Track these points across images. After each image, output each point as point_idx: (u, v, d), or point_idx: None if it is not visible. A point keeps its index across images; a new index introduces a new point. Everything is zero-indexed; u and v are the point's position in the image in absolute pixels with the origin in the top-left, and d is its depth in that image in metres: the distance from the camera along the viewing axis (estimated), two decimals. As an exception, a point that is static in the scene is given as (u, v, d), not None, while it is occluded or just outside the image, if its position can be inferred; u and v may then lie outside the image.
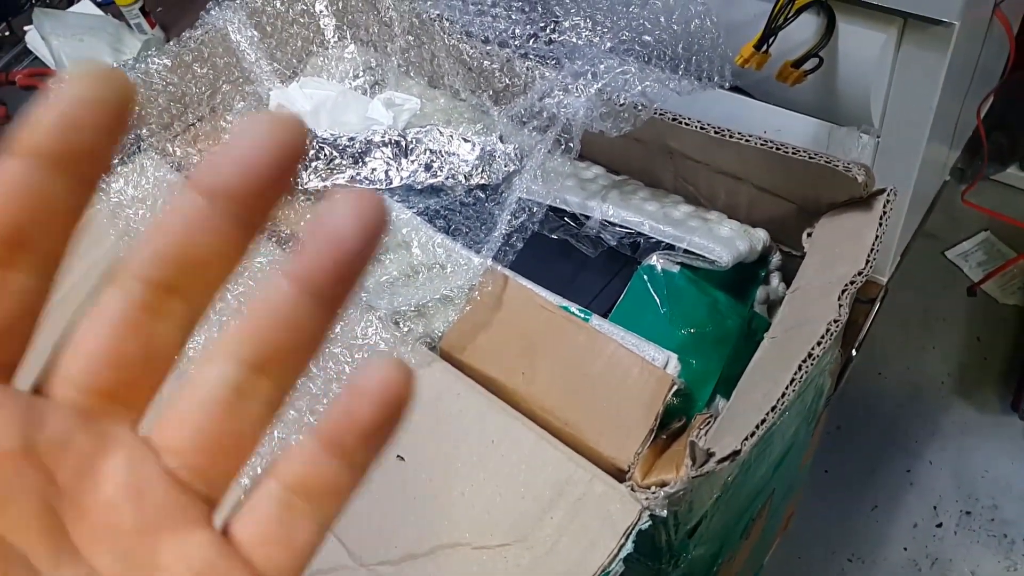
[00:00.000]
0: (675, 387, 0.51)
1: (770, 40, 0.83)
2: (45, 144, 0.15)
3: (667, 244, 0.61)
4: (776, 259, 0.63)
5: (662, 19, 0.60)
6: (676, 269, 0.60)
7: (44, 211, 0.16)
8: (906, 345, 1.48)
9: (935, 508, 1.32)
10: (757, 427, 0.44)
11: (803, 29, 0.90)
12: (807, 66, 0.92)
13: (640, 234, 0.61)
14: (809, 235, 0.59)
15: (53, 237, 0.16)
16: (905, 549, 1.29)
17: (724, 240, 0.59)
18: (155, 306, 0.17)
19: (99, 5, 1.14)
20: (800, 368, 0.47)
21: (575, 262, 0.65)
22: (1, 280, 0.16)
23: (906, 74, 0.89)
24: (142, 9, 1.08)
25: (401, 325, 0.57)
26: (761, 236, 0.61)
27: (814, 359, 0.47)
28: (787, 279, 0.63)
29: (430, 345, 0.57)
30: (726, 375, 0.57)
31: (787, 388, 0.46)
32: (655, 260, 0.60)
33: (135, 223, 0.67)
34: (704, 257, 0.59)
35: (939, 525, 1.31)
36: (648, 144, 0.64)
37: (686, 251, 0.59)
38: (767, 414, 0.45)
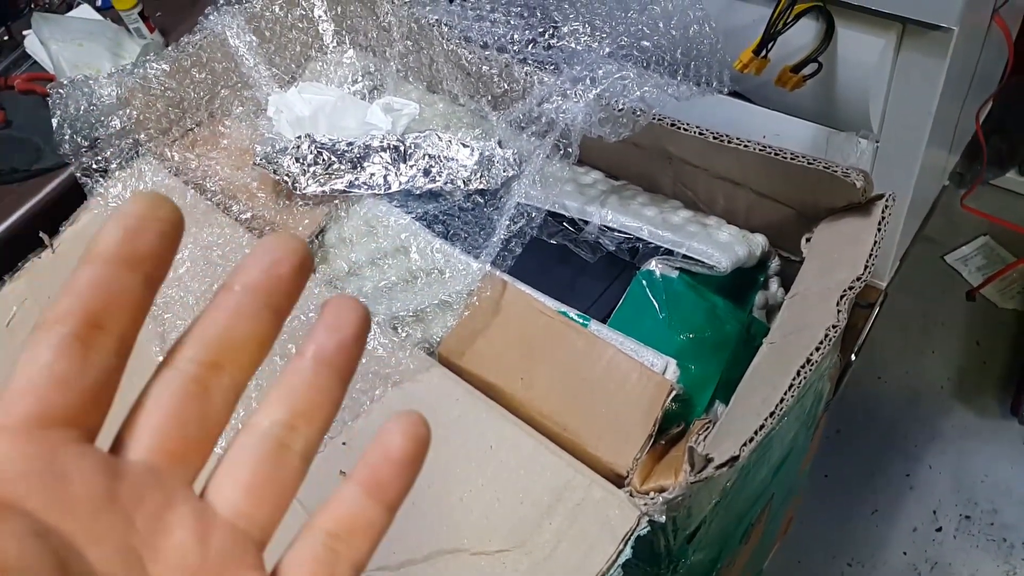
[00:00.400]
0: (674, 392, 0.51)
1: (769, 45, 0.83)
2: (114, 250, 0.19)
3: (666, 249, 0.61)
4: (775, 264, 0.63)
5: (661, 24, 0.60)
6: (675, 274, 0.60)
7: (118, 301, 0.19)
8: (905, 349, 1.48)
9: (935, 512, 1.32)
10: (756, 432, 0.44)
11: (802, 34, 0.90)
12: (806, 71, 0.92)
13: (639, 239, 0.61)
14: (808, 240, 0.59)
15: (126, 321, 0.20)
16: (905, 553, 1.29)
17: (723, 245, 0.59)
18: (206, 381, 0.21)
19: (98, 10, 1.14)
20: (799, 373, 0.47)
21: (574, 267, 0.64)
22: (85, 357, 0.19)
23: (905, 79, 0.89)
24: (141, 14, 1.08)
25: (399, 330, 0.57)
26: (760, 241, 0.61)
27: (813, 364, 0.47)
28: (786, 284, 0.63)
29: (428, 350, 0.57)
30: (725, 380, 0.57)
31: (786, 393, 0.46)
32: (654, 265, 0.60)
33: (133, 228, 0.67)
34: (703, 262, 0.58)
35: (939, 529, 1.30)
36: (647, 149, 0.64)
37: (685, 256, 0.59)
38: (766, 419, 0.45)
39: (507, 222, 0.59)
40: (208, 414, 0.21)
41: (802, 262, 0.61)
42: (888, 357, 1.47)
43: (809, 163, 0.55)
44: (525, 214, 0.59)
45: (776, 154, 0.55)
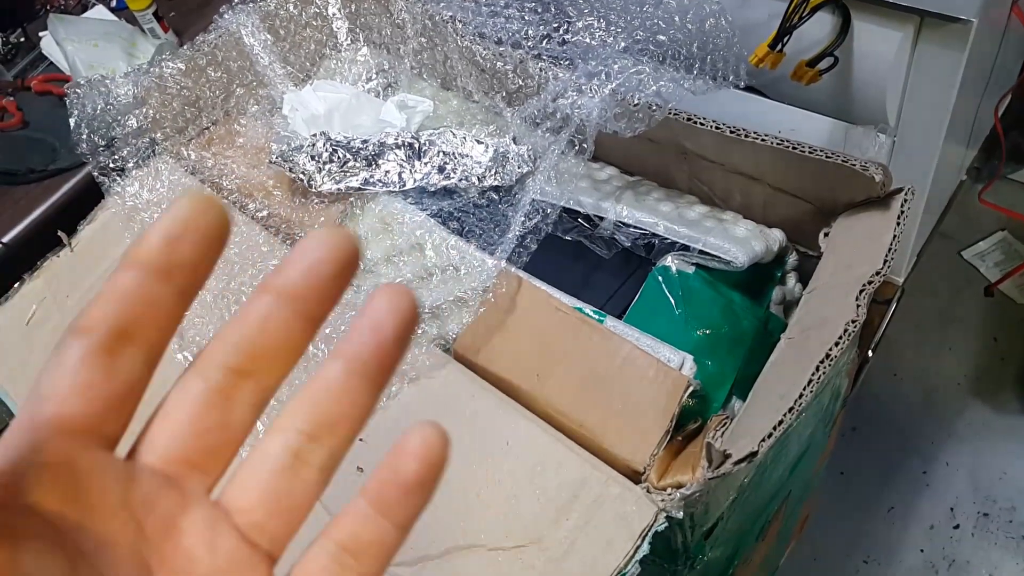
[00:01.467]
0: (691, 388, 0.51)
1: (785, 39, 0.82)
2: (152, 257, 0.19)
3: (682, 245, 0.60)
4: (792, 259, 0.62)
5: (676, 19, 0.59)
6: (691, 270, 0.60)
7: (148, 312, 0.19)
8: (922, 346, 1.47)
9: (952, 510, 1.31)
10: (774, 428, 0.44)
11: (818, 28, 0.89)
12: (822, 65, 0.91)
13: (655, 235, 0.60)
14: (826, 235, 0.58)
15: (155, 333, 0.20)
16: (922, 551, 1.28)
17: (740, 240, 0.59)
18: (230, 389, 0.20)
19: (113, 10, 1.15)
20: (818, 369, 0.46)
21: (589, 263, 0.64)
22: (110, 366, 0.19)
23: (923, 73, 0.89)
24: (155, 14, 1.08)
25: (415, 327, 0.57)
26: (777, 236, 0.61)
27: (832, 360, 0.47)
28: (804, 279, 0.63)
29: (444, 347, 0.57)
30: (742, 376, 0.57)
31: (804, 389, 0.45)
32: (670, 261, 0.59)
33: (149, 224, 0.67)
34: (719, 258, 0.58)
35: (956, 527, 1.29)
36: (662, 144, 0.64)
37: (701, 252, 0.59)
38: (784, 415, 0.44)
39: (522, 218, 0.58)
40: (229, 423, 0.20)
41: (820, 257, 0.61)
42: (905, 354, 1.46)
43: (827, 157, 0.54)
44: (540, 211, 0.59)
45: (794, 148, 0.55)
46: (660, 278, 0.59)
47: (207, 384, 0.20)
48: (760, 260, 0.59)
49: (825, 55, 0.91)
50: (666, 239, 0.61)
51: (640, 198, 0.64)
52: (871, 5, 0.86)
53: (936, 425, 1.38)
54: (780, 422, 0.44)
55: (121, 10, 1.14)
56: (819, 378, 0.46)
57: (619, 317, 0.60)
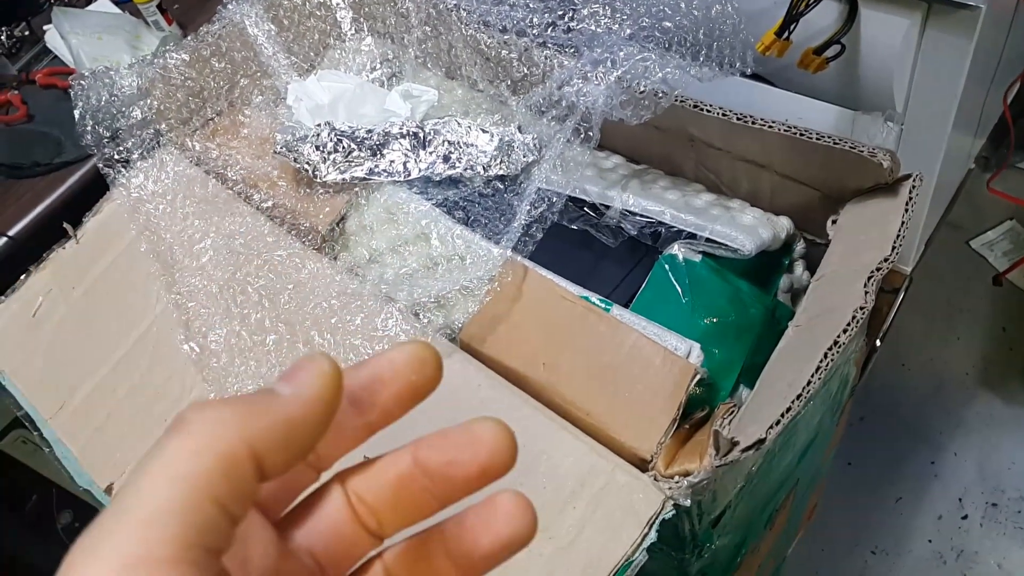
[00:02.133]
0: (698, 376, 0.50)
1: (791, 27, 0.82)
2: (352, 390, 0.20)
3: (688, 233, 0.60)
4: (800, 247, 0.62)
5: (682, 5, 0.59)
6: (698, 258, 0.59)
7: (334, 434, 0.20)
8: (930, 336, 1.46)
9: (960, 500, 1.31)
10: (782, 415, 0.44)
11: (825, 16, 0.88)
12: (829, 53, 0.91)
13: (661, 223, 0.60)
14: (834, 222, 0.58)
15: (334, 454, 0.22)
16: (930, 541, 1.28)
17: (747, 228, 0.58)
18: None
19: (117, 3, 1.15)
20: (826, 356, 0.46)
21: (595, 252, 0.64)
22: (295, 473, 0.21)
23: (930, 60, 0.88)
24: (159, 6, 1.08)
25: (421, 316, 0.57)
26: (784, 224, 0.61)
27: (840, 347, 0.46)
28: (811, 267, 0.62)
29: (450, 336, 0.57)
30: (749, 364, 0.57)
31: (813, 376, 0.45)
32: (676, 249, 0.59)
33: (155, 218, 0.67)
34: (726, 246, 0.58)
35: (964, 517, 1.29)
36: (669, 132, 0.64)
37: (708, 240, 0.58)
38: (792, 402, 0.44)
39: (528, 207, 0.58)
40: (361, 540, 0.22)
41: (828, 245, 0.60)
42: (913, 344, 1.45)
43: (835, 143, 0.54)
44: (546, 199, 0.59)
45: (801, 135, 0.54)
46: (667, 266, 0.59)
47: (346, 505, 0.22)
48: (767, 248, 0.59)
49: (832, 43, 0.90)
50: (672, 227, 0.60)
51: (646, 186, 0.63)
52: (878, -9, 0.85)
53: (944, 415, 1.38)
54: (788, 409, 0.44)
55: (125, 3, 1.14)
56: (827, 365, 0.46)
57: (626, 306, 0.60)
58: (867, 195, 0.56)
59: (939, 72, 0.88)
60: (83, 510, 1.28)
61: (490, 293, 0.56)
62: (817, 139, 0.54)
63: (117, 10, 1.12)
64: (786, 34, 0.83)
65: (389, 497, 0.21)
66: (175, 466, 0.17)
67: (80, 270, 0.68)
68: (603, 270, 0.63)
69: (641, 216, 0.61)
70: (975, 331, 1.46)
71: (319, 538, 0.21)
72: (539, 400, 0.53)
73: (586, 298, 0.55)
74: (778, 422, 0.43)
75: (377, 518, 0.22)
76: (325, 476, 0.22)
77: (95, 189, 0.71)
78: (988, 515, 1.29)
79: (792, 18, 0.82)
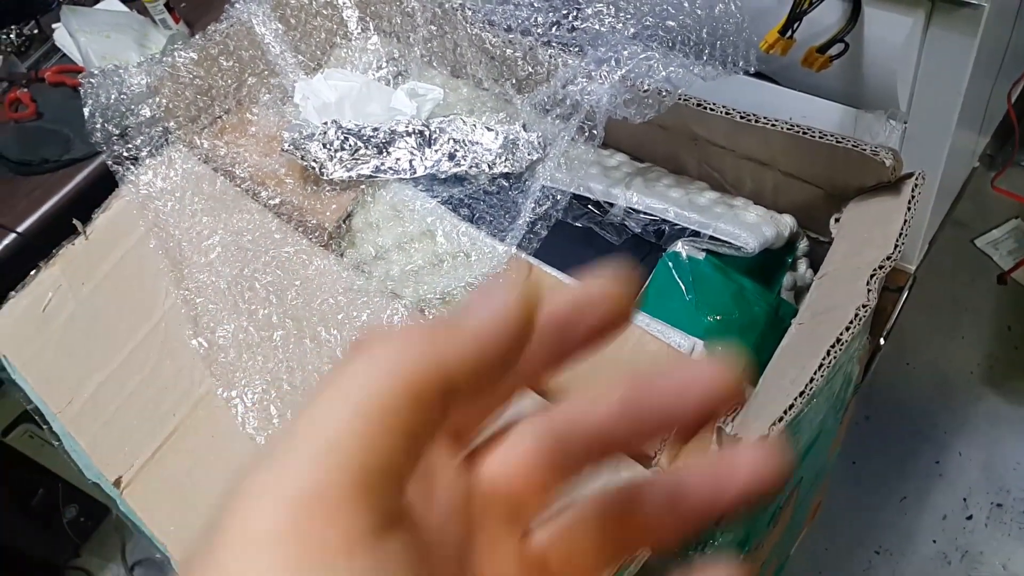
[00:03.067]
0: (701, 373, 0.51)
1: (795, 25, 0.82)
2: (548, 320, 0.19)
3: (692, 231, 0.60)
4: (803, 245, 0.62)
5: (686, 4, 0.59)
6: (701, 256, 0.60)
7: (528, 356, 0.19)
8: (935, 335, 1.46)
9: (965, 500, 1.31)
10: (785, 413, 0.44)
11: (828, 14, 0.88)
12: (832, 51, 0.91)
13: (665, 221, 0.61)
14: (837, 220, 0.58)
15: (529, 376, 0.21)
16: (934, 541, 1.28)
17: (750, 226, 0.59)
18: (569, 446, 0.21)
19: (124, 1, 1.16)
20: (829, 353, 0.46)
21: (599, 249, 0.64)
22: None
23: (934, 58, 0.88)
24: (166, 5, 1.09)
25: (426, 313, 0.57)
26: (788, 222, 0.61)
27: (843, 344, 0.47)
28: (815, 265, 0.63)
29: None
30: (753, 362, 0.57)
31: (815, 374, 0.45)
32: (680, 247, 0.59)
33: (164, 215, 0.68)
34: (730, 243, 0.58)
35: (969, 517, 1.29)
36: (672, 130, 0.64)
37: (711, 238, 0.59)
38: (795, 399, 0.44)
39: (532, 205, 0.59)
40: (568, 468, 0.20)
41: (831, 243, 0.61)
42: (917, 343, 1.45)
43: (837, 142, 0.54)
44: (550, 197, 0.59)
45: (804, 133, 0.55)
46: (670, 264, 0.59)
47: (544, 444, 0.20)
48: (771, 246, 0.59)
49: (835, 41, 0.90)
50: (676, 225, 0.61)
51: (650, 184, 0.64)
52: (883, -10, 0.85)
53: (949, 414, 1.38)
54: (791, 406, 0.44)
55: (133, 1, 1.15)
56: (830, 362, 0.46)
57: (629, 303, 0.60)
58: (870, 193, 0.56)
59: (943, 70, 0.88)
60: (89, 505, 1.29)
61: (495, 290, 0.57)
62: (820, 138, 0.54)
63: (125, 8, 1.13)
64: (789, 32, 0.83)
65: (581, 451, 0.20)
66: (357, 394, 0.15)
67: (89, 266, 0.68)
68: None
69: (645, 214, 0.61)
70: (980, 330, 1.46)
71: (504, 478, 0.20)
72: (540, 394, 0.54)
73: (590, 295, 0.56)
74: (781, 419, 0.44)
75: (563, 466, 0.20)
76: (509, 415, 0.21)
77: (104, 186, 0.72)
78: (993, 515, 1.29)
79: (795, 16, 0.82)
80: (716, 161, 0.65)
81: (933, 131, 0.95)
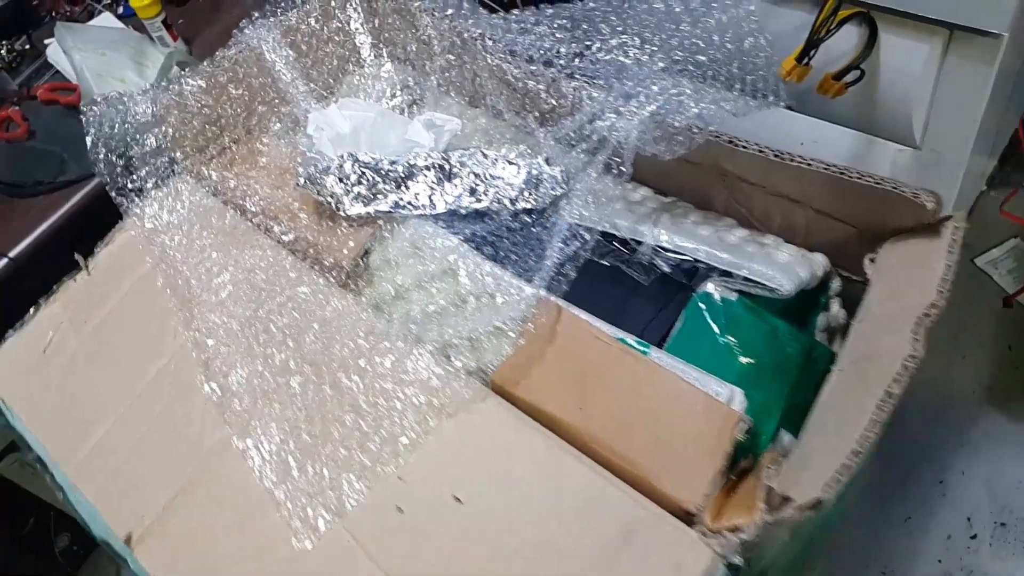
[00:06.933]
0: (743, 425, 0.49)
1: (811, 52, 0.81)
2: None
3: (722, 270, 0.59)
4: (836, 284, 0.61)
5: (715, 38, 0.58)
6: (734, 296, 0.58)
7: None
8: (936, 354, 1.46)
9: (969, 520, 1.30)
10: (840, 474, 0.42)
11: (844, 41, 0.87)
12: (848, 78, 0.90)
13: (697, 260, 0.59)
14: (872, 261, 0.57)
15: None
16: (939, 562, 1.27)
17: (784, 267, 0.57)
18: None
19: (120, 17, 1.12)
20: (880, 408, 0.45)
21: (625, 288, 0.63)
22: None
23: (951, 86, 0.87)
24: (164, 22, 1.06)
25: (452, 359, 0.55)
26: (820, 261, 0.59)
27: (893, 399, 0.45)
28: (846, 304, 0.61)
29: (482, 379, 0.55)
30: (788, 407, 0.55)
31: (867, 431, 0.44)
32: (712, 288, 0.58)
33: (171, 249, 0.65)
34: (764, 285, 0.56)
35: (973, 537, 1.28)
36: (701, 165, 0.62)
37: (745, 279, 0.57)
38: (849, 458, 0.43)
39: (560, 244, 0.57)
40: None
41: (864, 282, 0.59)
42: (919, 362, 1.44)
43: (876, 183, 0.53)
44: (578, 236, 0.57)
45: (842, 173, 0.53)
46: (702, 305, 0.58)
47: None
48: (805, 287, 0.58)
49: (851, 68, 0.89)
50: (706, 264, 0.59)
51: (677, 221, 0.62)
52: (899, 18, 0.84)
53: (951, 434, 1.37)
54: (847, 466, 0.42)
55: (129, 17, 1.12)
56: (882, 419, 0.44)
57: (659, 344, 0.59)
58: (907, 234, 0.55)
59: (959, 97, 0.88)
60: (81, 533, 1.25)
61: (524, 334, 0.55)
62: (859, 178, 0.53)
63: (121, 25, 1.10)
64: (806, 59, 0.82)
65: None
66: None
67: (92, 303, 0.66)
68: (633, 307, 0.61)
69: (674, 252, 0.59)
70: (981, 350, 1.45)
71: None
72: (575, 446, 0.52)
73: (622, 340, 0.54)
74: (837, 480, 0.42)
75: None
76: None
77: (98, 209, 0.68)
78: (997, 535, 1.28)
79: (812, 44, 0.81)
80: (744, 197, 0.64)
81: (948, 158, 0.94)
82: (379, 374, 0.54)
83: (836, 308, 0.60)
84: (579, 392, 0.53)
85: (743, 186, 0.61)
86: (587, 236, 0.56)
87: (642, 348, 0.54)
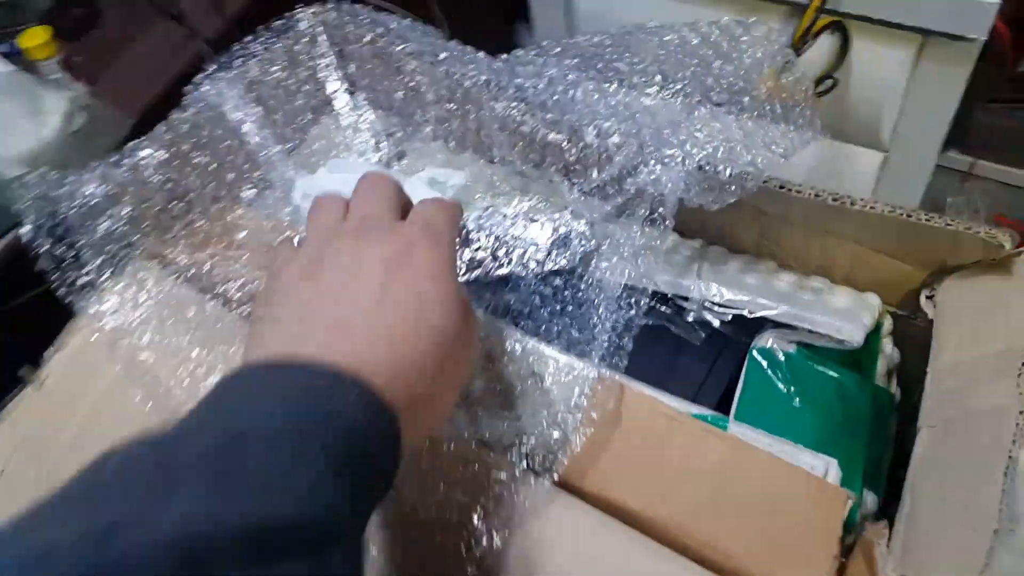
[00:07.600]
0: (849, 503, 0.45)
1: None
2: None
3: (776, 321, 0.55)
4: (888, 324, 0.58)
5: (754, 75, 0.53)
6: (792, 348, 0.54)
7: None
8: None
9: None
10: (988, 560, 0.39)
11: (818, 49, 0.86)
12: (821, 87, 0.89)
13: (751, 313, 0.55)
14: (930, 298, 0.54)
15: None
16: None
17: (847, 314, 0.54)
18: None
19: (6, 57, 0.98)
20: (1006, 475, 0.42)
21: (666, 346, 0.58)
22: None
23: (922, 90, 0.87)
24: (63, 61, 0.93)
25: (509, 456, 0.49)
26: (875, 303, 0.56)
27: (1016, 463, 0.42)
28: (897, 342, 0.58)
29: (546, 475, 0.49)
30: (866, 464, 0.52)
31: (1000, 504, 0.41)
32: (770, 341, 0.54)
33: (141, 354, 0.55)
34: (830, 337, 0.53)
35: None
36: (734, 205, 0.58)
37: (810, 332, 0.53)
38: (991, 540, 0.40)
39: (612, 313, 0.51)
40: None
41: (915, 319, 0.57)
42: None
43: (948, 224, 0.50)
44: (629, 301, 0.52)
45: (910, 216, 0.50)
46: (763, 362, 0.54)
47: None
48: (868, 332, 0.55)
49: (825, 78, 0.88)
50: (759, 317, 0.55)
51: (719, 270, 0.58)
52: (873, 26, 0.83)
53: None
54: (992, 548, 0.39)
55: (16, 56, 0.97)
56: (1009, 485, 0.42)
57: (717, 408, 0.54)
58: (971, 270, 0.53)
59: (931, 101, 0.88)
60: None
61: (586, 420, 0.49)
62: (927, 220, 0.50)
63: (10, 67, 0.95)
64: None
65: None
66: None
67: (52, 425, 0.55)
68: (682, 368, 0.57)
69: (725, 307, 0.55)
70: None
71: None
72: (663, 543, 0.47)
73: (703, 417, 0.49)
74: (987, 565, 0.39)
75: None
76: None
77: (13, 280, 0.58)
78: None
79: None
80: (775, 233, 0.60)
81: (916, 160, 0.95)
82: (450, 481, 0.47)
83: (890, 348, 0.57)
84: (657, 480, 0.48)
85: (776, 223, 0.58)
86: (642, 302, 0.51)
87: (720, 422, 0.50)
